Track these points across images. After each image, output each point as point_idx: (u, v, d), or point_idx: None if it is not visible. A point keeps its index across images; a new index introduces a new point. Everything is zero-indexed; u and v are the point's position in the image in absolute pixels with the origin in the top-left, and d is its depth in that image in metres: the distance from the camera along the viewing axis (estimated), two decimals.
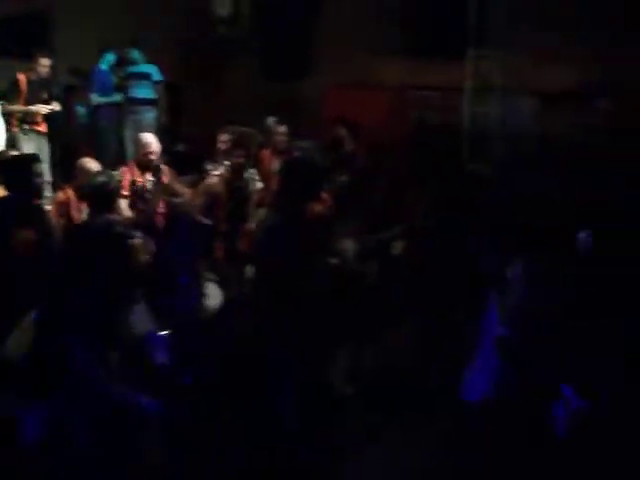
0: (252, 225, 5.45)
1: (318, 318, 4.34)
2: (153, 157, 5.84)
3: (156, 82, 8.48)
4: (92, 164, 5.44)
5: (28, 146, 7.28)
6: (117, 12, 9.33)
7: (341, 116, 7.28)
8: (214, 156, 6.44)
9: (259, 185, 6.10)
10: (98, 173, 5.01)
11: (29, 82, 7.39)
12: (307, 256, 4.23)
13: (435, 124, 8.36)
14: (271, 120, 7.08)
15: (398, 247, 5.65)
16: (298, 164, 4.66)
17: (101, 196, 4.64)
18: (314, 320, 4.31)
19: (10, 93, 7.39)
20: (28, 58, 7.86)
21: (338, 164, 6.56)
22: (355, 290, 5.12)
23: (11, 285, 4.08)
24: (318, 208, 4.64)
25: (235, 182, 5.77)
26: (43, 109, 7.38)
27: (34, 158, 4.87)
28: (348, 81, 8.98)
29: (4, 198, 4.65)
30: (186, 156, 7.50)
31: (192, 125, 9.05)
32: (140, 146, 5.98)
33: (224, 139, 6.34)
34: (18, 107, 7.34)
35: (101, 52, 8.69)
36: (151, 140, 5.92)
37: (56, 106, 7.51)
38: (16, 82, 7.37)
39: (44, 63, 7.43)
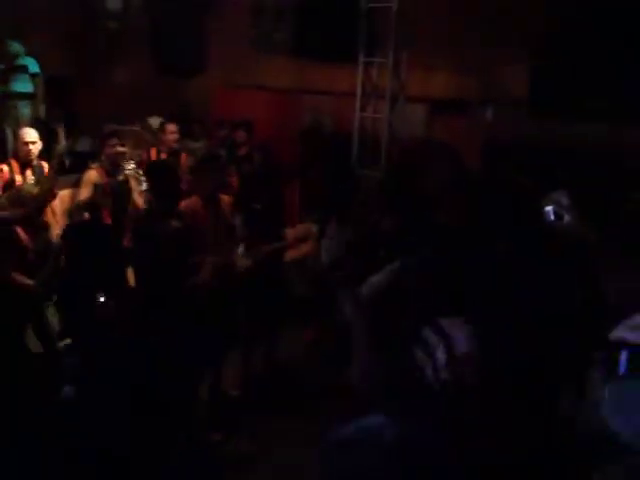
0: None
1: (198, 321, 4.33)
2: (33, 153, 5.74)
3: (33, 75, 8.18)
4: None
5: None
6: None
7: (240, 117, 7.33)
8: (98, 151, 6.33)
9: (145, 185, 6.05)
10: None
11: None
12: (176, 258, 4.22)
13: (325, 128, 8.49)
14: (155, 119, 7.01)
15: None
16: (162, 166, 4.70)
17: None
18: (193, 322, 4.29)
19: None
20: None
21: (235, 164, 6.63)
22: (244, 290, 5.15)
23: None
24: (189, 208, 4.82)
25: (111, 174, 5.71)
26: None
27: None
28: (240, 82, 8.98)
29: None
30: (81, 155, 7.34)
31: (81, 120, 8.81)
32: (20, 142, 5.82)
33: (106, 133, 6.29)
34: None
35: None
36: (32, 135, 5.80)
37: None
38: None
39: None
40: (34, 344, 4.37)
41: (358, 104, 7.77)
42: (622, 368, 2.37)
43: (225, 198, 5.28)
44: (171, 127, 6.88)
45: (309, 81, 8.47)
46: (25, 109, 8.01)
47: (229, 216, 5.17)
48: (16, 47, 8.09)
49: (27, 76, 8.05)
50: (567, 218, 3.97)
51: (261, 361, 5.67)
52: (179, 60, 9.07)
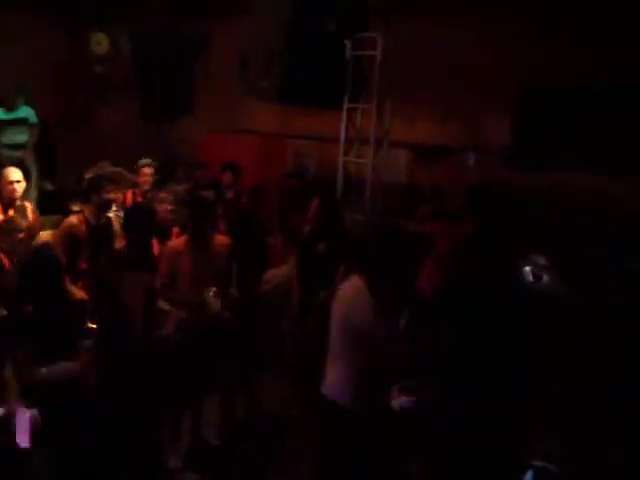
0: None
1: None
2: (18, 192, 5.79)
3: (31, 125, 8.22)
4: None
5: None
6: None
7: (226, 160, 7.38)
8: (80, 195, 6.31)
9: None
10: None
11: None
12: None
13: (309, 172, 8.56)
14: (142, 161, 7.08)
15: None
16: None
17: None
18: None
19: None
20: None
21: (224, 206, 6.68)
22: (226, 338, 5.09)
23: None
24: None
25: (95, 221, 5.65)
26: None
27: None
28: (225, 126, 9.06)
29: None
30: (52, 195, 7.30)
31: (65, 164, 8.82)
32: (4, 181, 5.83)
33: (88, 178, 6.27)
34: None
35: None
36: (16, 175, 5.88)
37: None
38: None
39: None
40: None
41: (342, 149, 7.84)
42: None
43: (222, 239, 5.28)
44: (145, 170, 6.99)
45: (294, 126, 8.56)
46: (14, 153, 7.97)
47: (223, 259, 5.14)
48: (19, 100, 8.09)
49: (25, 127, 8.07)
50: (545, 278, 4.06)
51: (242, 408, 5.59)
52: (165, 104, 9.15)
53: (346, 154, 7.86)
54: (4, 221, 5.30)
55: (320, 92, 7.49)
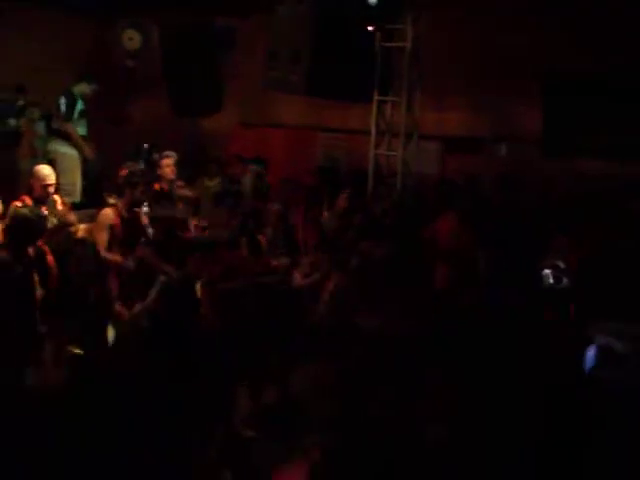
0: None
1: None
2: (51, 189, 5.87)
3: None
4: None
5: None
6: (24, 42, 9.18)
7: (257, 154, 7.43)
8: (115, 189, 6.43)
9: None
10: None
11: None
12: None
13: (339, 165, 8.56)
14: (163, 154, 7.12)
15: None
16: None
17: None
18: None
19: None
20: None
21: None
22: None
23: None
24: None
25: (127, 214, 5.77)
26: None
27: None
28: (255, 120, 9.09)
29: None
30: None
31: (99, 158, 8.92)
32: (38, 178, 5.91)
33: (123, 174, 6.37)
34: None
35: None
36: (50, 173, 5.95)
37: None
38: None
39: None
40: None
41: (372, 141, 7.82)
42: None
43: None
44: (165, 161, 7.04)
45: (324, 119, 8.56)
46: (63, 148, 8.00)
47: None
48: (81, 87, 8.08)
49: (85, 120, 8.07)
50: (565, 281, 4.07)
51: (273, 398, 5.61)
52: (195, 98, 9.19)
53: (377, 147, 7.85)
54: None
55: (349, 85, 7.49)
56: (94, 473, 3.67)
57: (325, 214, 6.52)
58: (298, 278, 5.44)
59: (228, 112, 9.33)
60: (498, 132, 8.09)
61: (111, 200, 6.27)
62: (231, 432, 5.14)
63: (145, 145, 7.79)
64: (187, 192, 6.70)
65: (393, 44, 7.75)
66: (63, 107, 7.83)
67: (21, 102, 8.71)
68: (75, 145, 7.77)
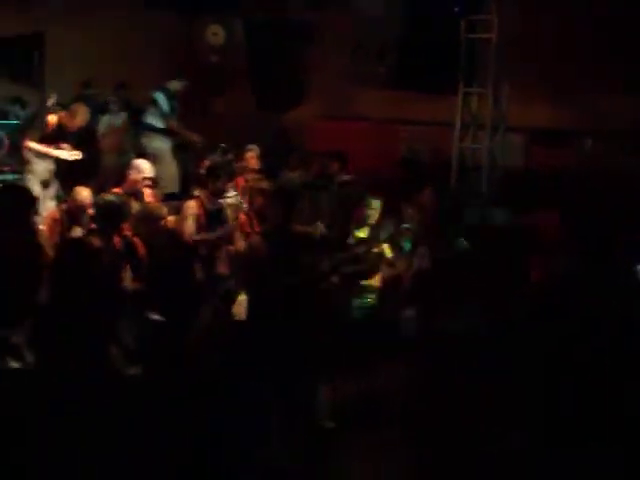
0: (231, 248, 5.66)
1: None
2: (146, 182, 6.04)
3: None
4: (84, 193, 5.58)
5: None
6: (109, 38, 9.40)
7: (333, 149, 7.40)
8: (198, 181, 6.55)
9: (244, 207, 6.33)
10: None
11: (59, 126, 6.94)
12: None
13: (422, 158, 8.45)
14: (246, 147, 7.22)
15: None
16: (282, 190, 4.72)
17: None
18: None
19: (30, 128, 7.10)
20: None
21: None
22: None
23: None
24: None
25: (210, 205, 5.83)
26: (64, 155, 6.92)
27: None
28: (337, 113, 9.07)
29: None
30: None
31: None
32: (135, 171, 6.08)
33: (205, 166, 6.50)
34: (41, 148, 6.86)
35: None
36: (148, 167, 6.13)
37: (77, 155, 7.07)
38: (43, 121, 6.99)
39: (83, 118, 7.00)
40: None
41: (457, 134, 7.69)
42: None
43: None
44: (250, 153, 7.19)
45: (406, 112, 8.46)
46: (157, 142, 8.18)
47: None
48: (175, 84, 8.16)
49: (155, 110, 8.20)
50: None
51: (353, 392, 5.58)
52: (278, 92, 9.24)
53: (461, 140, 7.71)
54: (143, 209, 5.53)
55: (434, 77, 7.40)
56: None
57: (409, 211, 6.43)
58: (386, 270, 5.41)
59: (310, 105, 9.35)
60: (585, 125, 7.85)
61: (195, 192, 6.38)
62: (312, 423, 5.16)
63: (222, 145, 7.89)
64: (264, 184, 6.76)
65: (478, 35, 7.60)
66: (163, 103, 8.00)
67: (112, 98, 8.93)
68: (181, 138, 7.94)
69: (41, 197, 6.33)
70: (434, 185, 6.67)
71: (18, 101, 8.77)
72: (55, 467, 3.52)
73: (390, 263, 5.76)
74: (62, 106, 7.31)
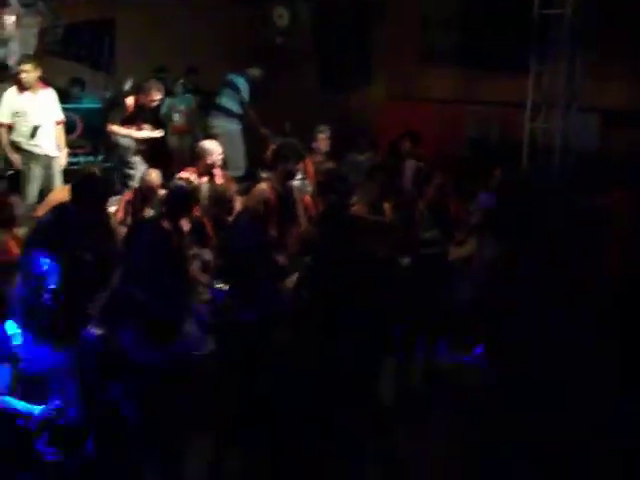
0: (300, 230, 5.73)
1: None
2: (217, 164, 6.14)
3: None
4: (154, 174, 5.73)
5: None
6: (176, 23, 9.48)
7: (406, 129, 7.30)
8: (265, 163, 6.57)
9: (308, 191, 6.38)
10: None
11: (137, 107, 7.09)
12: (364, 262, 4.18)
13: (494, 139, 8.26)
14: (318, 128, 7.21)
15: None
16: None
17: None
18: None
19: (111, 112, 7.27)
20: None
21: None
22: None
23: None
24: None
25: (280, 189, 5.83)
26: (146, 134, 7.13)
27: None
28: (405, 93, 8.94)
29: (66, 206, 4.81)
30: None
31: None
32: (210, 154, 6.15)
33: (273, 148, 6.52)
34: (125, 130, 7.07)
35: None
36: (217, 147, 6.22)
37: (160, 132, 7.31)
38: (121, 104, 7.11)
39: (156, 97, 7.06)
40: None
41: (528, 114, 7.48)
42: None
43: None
44: (322, 135, 7.23)
45: (475, 91, 8.28)
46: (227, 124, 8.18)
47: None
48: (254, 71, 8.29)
49: (234, 93, 8.26)
50: None
51: (419, 372, 5.52)
52: (344, 73, 9.18)
53: (533, 120, 7.50)
54: (214, 191, 5.58)
55: (505, 54, 7.21)
56: None
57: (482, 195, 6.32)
58: (454, 251, 5.32)
59: (376, 85, 9.25)
60: None
61: (263, 174, 6.39)
62: (375, 401, 5.13)
63: (287, 124, 7.91)
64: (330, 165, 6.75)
65: (552, 11, 7.35)
66: (244, 88, 8.08)
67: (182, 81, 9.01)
68: (252, 124, 8.05)
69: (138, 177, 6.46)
70: (504, 167, 6.54)
71: (78, 82, 8.92)
72: None
73: (459, 243, 5.66)
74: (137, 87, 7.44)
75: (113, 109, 7.17)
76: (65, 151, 7.27)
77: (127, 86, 7.90)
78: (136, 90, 7.25)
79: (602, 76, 7.68)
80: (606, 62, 7.64)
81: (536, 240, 5.34)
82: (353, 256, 4.26)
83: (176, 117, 8.75)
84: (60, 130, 7.26)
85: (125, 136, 7.03)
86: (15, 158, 7.00)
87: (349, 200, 5.28)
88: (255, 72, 8.18)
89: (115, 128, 7.00)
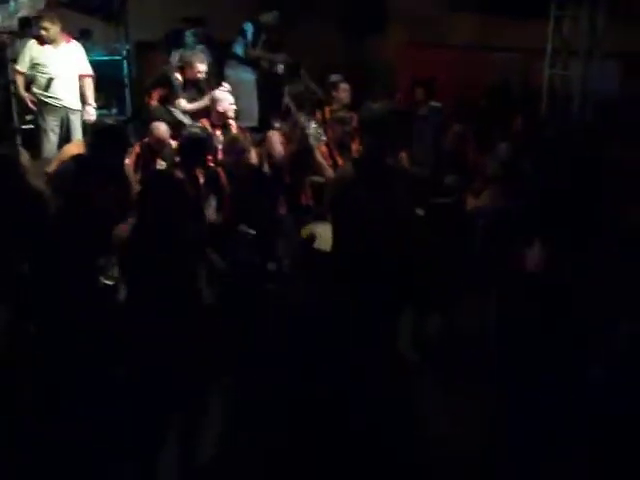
0: (314, 178, 5.71)
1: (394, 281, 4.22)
2: (229, 114, 6.13)
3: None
4: (162, 127, 5.70)
5: None
6: None
7: (418, 77, 7.15)
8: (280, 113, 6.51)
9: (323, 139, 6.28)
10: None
11: (185, 82, 6.93)
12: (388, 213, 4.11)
13: (513, 86, 8.09)
14: (334, 77, 7.06)
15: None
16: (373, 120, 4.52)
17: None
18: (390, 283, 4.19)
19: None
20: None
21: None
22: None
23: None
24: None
25: (295, 136, 5.80)
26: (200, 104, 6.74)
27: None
28: (424, 39, 8.76)
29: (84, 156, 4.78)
30: None
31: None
32: (223, 103, 6.15)
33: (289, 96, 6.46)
34: (189, 106, 6.78)
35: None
36: (228, 97, 6.21)
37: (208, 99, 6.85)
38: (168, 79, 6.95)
39: (201, 69, 6.86)
40: None
41: (547, 60, 7.31)
42: None
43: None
44: (344, 85, 7.02)
45: (496, 38, 8.09)
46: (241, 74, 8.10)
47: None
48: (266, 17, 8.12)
49: (243, 40, 8.13)
50: None
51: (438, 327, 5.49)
52: (361, 18, 9.01)
53: (552, 66, 7.33)
54: (228, 141, 5.53)
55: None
56: None
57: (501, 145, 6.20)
58: (471, 202, 5.23)
59: (394, 31, 9.07)
60: None
61: (277, 124, 6.33)
62: (395, 355, 5.12)
63: (302, 71, 7.77)
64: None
65: None
66: (249, 33, 7.97)
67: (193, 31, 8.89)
68: (267, 64, 7.98)
69: None
70: (525, 114, 6.41)
71: (86, 33, 8.83)
72: None
73: (477, 193, 5.57)
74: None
75: (162, 85, 6.97)
76: (91, 106, 7.21)
77: (174, 62, 7.82)
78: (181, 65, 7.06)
79: (625, 22, 7.47)
80: (630, 7, 7.42)
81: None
82: (384, 204, 4.17)
83: None
84: (87, 83, 7.18)
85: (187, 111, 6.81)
86: (30, 104, 7.06)
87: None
88: (267, 18, 8.04)
89: (183, 104, 6.73)
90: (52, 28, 6.91)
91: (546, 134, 6.55)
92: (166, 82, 6.77)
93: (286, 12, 8.23)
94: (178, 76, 6.82)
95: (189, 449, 3.62)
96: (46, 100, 7.05)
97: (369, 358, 4.95)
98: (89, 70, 7.23)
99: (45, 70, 7.00)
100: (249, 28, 8.01)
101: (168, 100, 6.70)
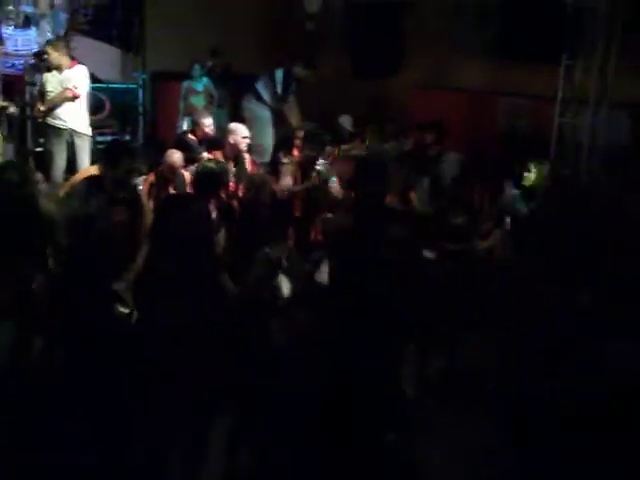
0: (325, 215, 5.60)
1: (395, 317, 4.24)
2: (244, 147, 6.18)
3: None
4: (176, 155, 5.76)
5: None
6: (206, 4, 9.47)
7: (429, 120, 7.24)
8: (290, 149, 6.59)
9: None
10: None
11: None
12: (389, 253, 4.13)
13: (521, 132, 8.17)
14: (343, 118, 7.16)
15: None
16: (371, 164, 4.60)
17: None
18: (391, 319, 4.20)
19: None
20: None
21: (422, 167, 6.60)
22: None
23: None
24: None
25: (305, 174, 5.87)
26: None
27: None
28: (434, 83, 8.88)
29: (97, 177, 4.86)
30: None
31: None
32: (236, 136, 6.19)
33: (299, 135, 6.53)
34: None
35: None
36: (245, 130, 6.28)
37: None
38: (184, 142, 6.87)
39: (207, 123, 6.87)
40: None
41: (557, 108, 7.39)
42: None
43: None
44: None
45: (507, 83, 8.20)
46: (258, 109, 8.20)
47: None
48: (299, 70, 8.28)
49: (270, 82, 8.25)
50: None
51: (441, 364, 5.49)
52: (373, 60, 9.12)
53: (562, 114, 7.41)
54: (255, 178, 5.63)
55: (538, 47, 7.11)
56: None
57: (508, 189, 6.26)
58: (480, 243, 5.27)
59: (408, 74, 9.18)
60: None
61: (284, 160, 6.39)
62: (397, 391, 5.11)
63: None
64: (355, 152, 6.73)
65: (585, 4, 7.24)
66: (278, 82, 8.14)
67: (210, 64, 9.05)
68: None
69: None
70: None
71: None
72: None
73: (484, 235, 5.61)
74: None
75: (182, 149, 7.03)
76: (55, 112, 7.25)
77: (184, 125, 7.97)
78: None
79: (636, 72, 7.57)
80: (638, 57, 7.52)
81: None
82: (384, 245, 4.20)
83: (191, 99, 8.83)
84: (69, 98, 7.18)
85: None
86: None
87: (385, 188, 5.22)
88: (299, 71, 8.14)
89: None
90: (53, 54, 7.10)
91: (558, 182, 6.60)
92: (184, 146, 6.85)
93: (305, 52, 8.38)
94: (192, 137, 6.88)
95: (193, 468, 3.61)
96: (51, 122, 7.18)
97: (372, 395, 4.96)
98: (81, 92, 7.27)
99: (50, 95, 7.14)
100: (279, 75, 8.11)
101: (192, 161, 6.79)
